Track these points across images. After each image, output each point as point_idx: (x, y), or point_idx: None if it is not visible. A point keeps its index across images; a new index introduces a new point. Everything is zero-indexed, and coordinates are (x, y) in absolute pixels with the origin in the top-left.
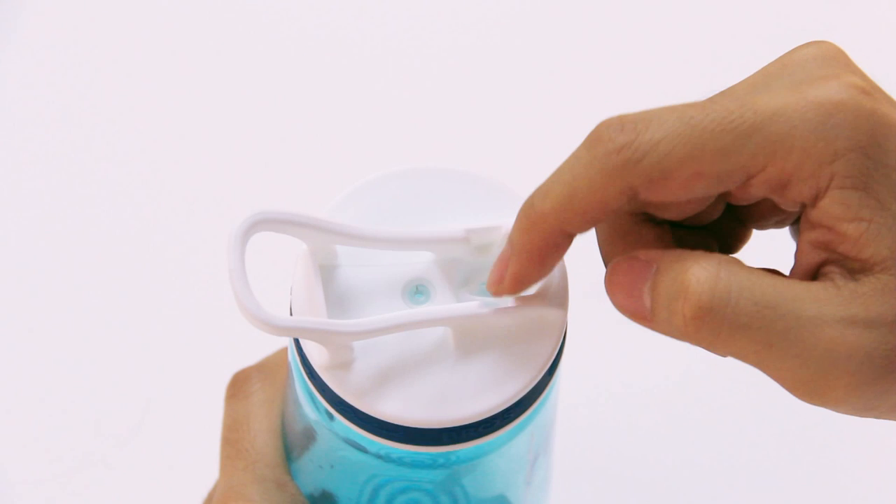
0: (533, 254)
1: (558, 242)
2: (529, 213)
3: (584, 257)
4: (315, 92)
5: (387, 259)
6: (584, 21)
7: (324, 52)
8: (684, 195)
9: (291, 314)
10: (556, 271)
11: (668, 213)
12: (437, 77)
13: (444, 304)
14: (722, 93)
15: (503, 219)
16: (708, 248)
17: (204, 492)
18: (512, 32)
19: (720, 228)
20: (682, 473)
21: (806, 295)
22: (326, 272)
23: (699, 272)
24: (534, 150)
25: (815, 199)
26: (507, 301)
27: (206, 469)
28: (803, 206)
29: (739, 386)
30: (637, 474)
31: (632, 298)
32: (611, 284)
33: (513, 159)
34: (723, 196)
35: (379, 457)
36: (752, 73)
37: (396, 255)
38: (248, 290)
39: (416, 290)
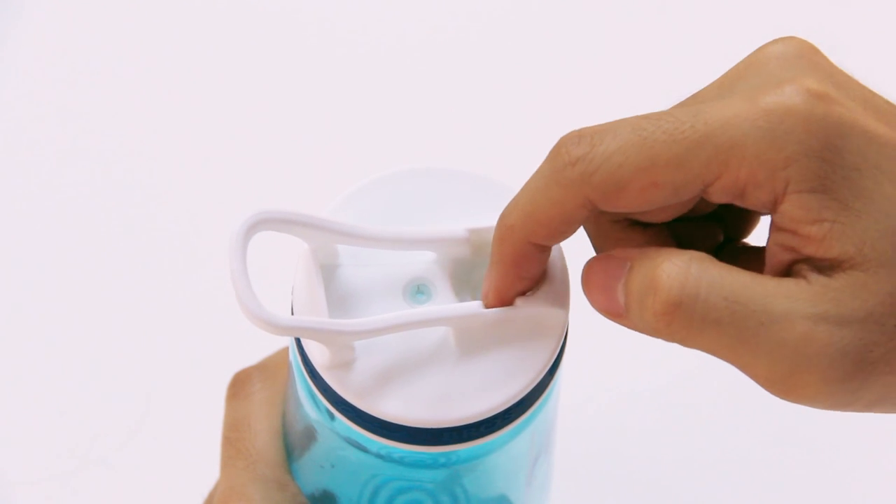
0: (508, 265)
1: (529, 254)
2: (500, 226)
3: (584, 259)
4: (317, 92)
5: (388, 259)
6: (584, 21)
7: (326, 52)
8: (642, 206)
9: (293, 314)
10: (557, 271)
11: (646, 217)
12: (439, 77)
13: (445, 303)
14: (683, 101)
15: None
16: (712, 237)
17: (204, 492)
18: (512, 33)
19: (724, 216)
20: (684, 473)
21: (777, 291)
22: (328, 272)
23: (669, 268)
24: (534, 150)
25: (775, 203)
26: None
27: (207, 469)
28: (762, 209)
29: (740, 386)
30: (638, 475)
31: (606, 296)
32: (587, 283)
33: (514, 159)
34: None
35: (380, 456)
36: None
37: (398, 255)
38: (250, 290)
39: (418, 290)
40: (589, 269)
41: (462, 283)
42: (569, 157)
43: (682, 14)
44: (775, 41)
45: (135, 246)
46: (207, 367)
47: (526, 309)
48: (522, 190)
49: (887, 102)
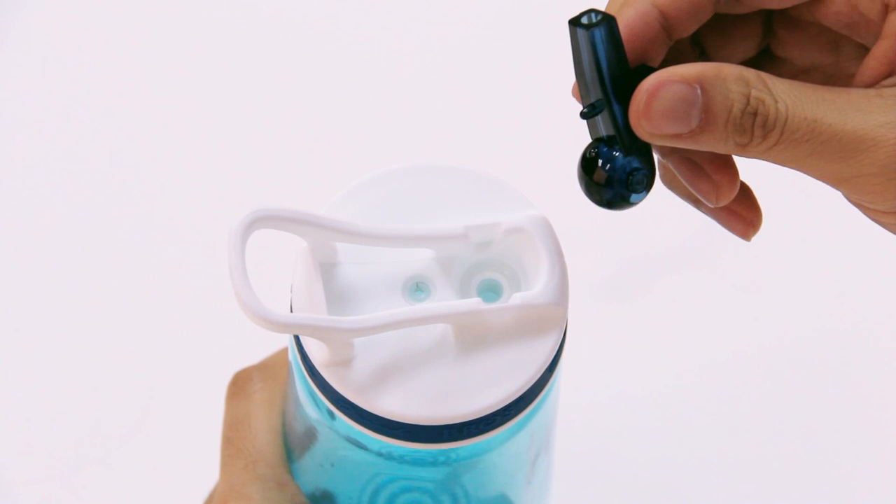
0: (622, 29)
1: (650, 22)
2: None
3: (583, 257)
4: (315, 90)
5: (387, 256)
6: None
7: (324, 51)
8: None
9: (292, 311)
10: (556, 269)
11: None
12: (437, 74)
13: (444, 301)
14: None
15: (502, 215)
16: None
17: (204, 492)
18: (512, 31)
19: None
20: (683, 472)
21: (849, 107)
22: (326, 269)
23: (755, 87)
24: (533, 148)
25: None
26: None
27: (206, 469)
28: (884, 9)
29: (740, 386)
30: (638, 474)
31: (678, 122)
32: (649, 114)
33: (512, 156)
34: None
35: (380, 455)
36: None
37: (396, 253)
38: (249, 287)
39: (417, 288)
40: (652, 95)
41: (461, 281)
42: None
43: None
44: None
45: (134, 245)
46: (207, 366)
47: (525, 306)
48: None
49: None
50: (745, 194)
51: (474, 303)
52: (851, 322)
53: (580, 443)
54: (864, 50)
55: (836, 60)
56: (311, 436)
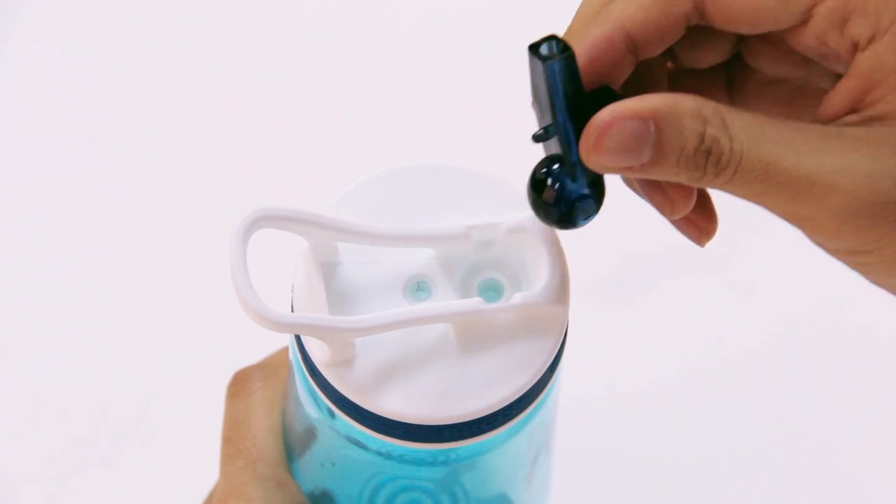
0: (587, 48)
1: (615, 44)
2: (599, 14)
3: (584, 257)
4: (316, 89)
5: (388, 256)
6: None
7: (325, 50)
8: (749, 7)
9: (293, 311)
10: (557, 268)
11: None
12: (438, 74)
13: (445, 300)
14: None
15: (504, 215)
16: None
17: (204, 492)
18: (512, 30)
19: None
20: (684, 472)
21: (806, 147)
22: (328, 269)
23: (710, 120)
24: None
25: (871, 40)
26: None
27: (206, 469)
28: (853, 48)
29: (741, 385)
30: (638, 474)
31: (629, 157)
32: (598, 148)
33: (513, 156)
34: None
35: (380, 454)
36: None
37: (398, 252)
38: (250, 287)
39: (418, 287)
40: (603, 132)
41: (462, 280)
42: None
43: None
44: None
45: (134, 245)
46: (207, 366)
47: (526, 306)
48: None
49: None
50: (702, 202)
51: (475, 303)
52: (852, 321)
53: (580, 442)
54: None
55: (807, 75)
56: (311, 435)
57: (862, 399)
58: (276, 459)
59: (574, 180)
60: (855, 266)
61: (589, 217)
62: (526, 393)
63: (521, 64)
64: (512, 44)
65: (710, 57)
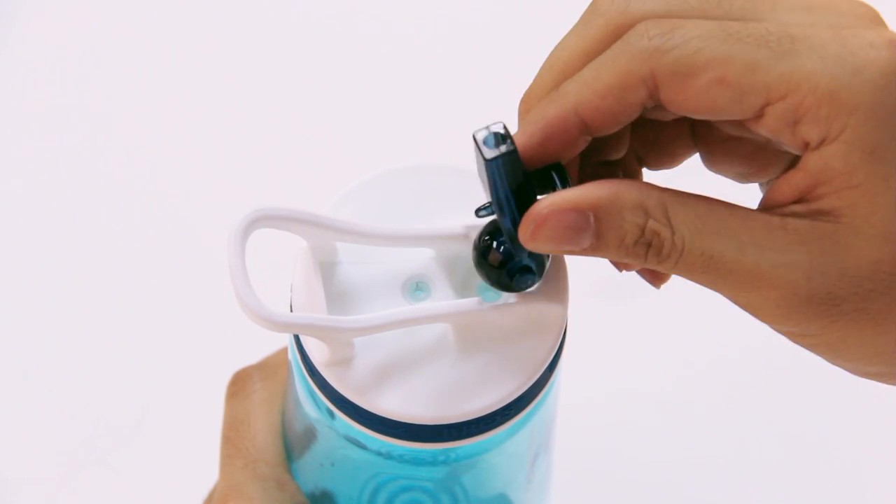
0: (540, 127)
1: (569, 126)
2: (553, 93)
3: (584, 256)
4: (316, 89)
5: (387, 256)
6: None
7: (324, 50)
8: (700, 104)
9: (292, 311)
10: (556, 268)
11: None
12: (437, 74)
13: (444, 300)
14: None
15: None
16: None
17: (204, 492)
18: (513, 31)
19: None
20: (684, 472)
21: (749, 240)
22: (327, 269)
23: (651, 213)
24: None
25: (821, 143)
26: (509, 298)
27: (206, 469)
28: (804, 145)
29: (741, 386)
30: (638, 474)
31: (568, 245)
32: (538, 237)
33: None
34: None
35: (379, 454)
36: None
37: (397, 252)
38: (249, 287)
39: (417, 287)
40: (539, 225)
41: (461, 280)
42: (647, 33)
43: None
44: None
45: (134, 245)
46: (207, 366)
47: (525, 305)
48: (587, 66)
49: None
50: None
51: (474, 302)
52: None
53: (580, 442)
54: None
55: (766, 140)
56: (310, 435)
57: (863, 400)
58: (275, 459)
59: (517, 254)
60: (800, 344)
61: (529, 287)
62: (525, 392)
63: (522, 64)
64: (512, 44)
65: (671, 114)
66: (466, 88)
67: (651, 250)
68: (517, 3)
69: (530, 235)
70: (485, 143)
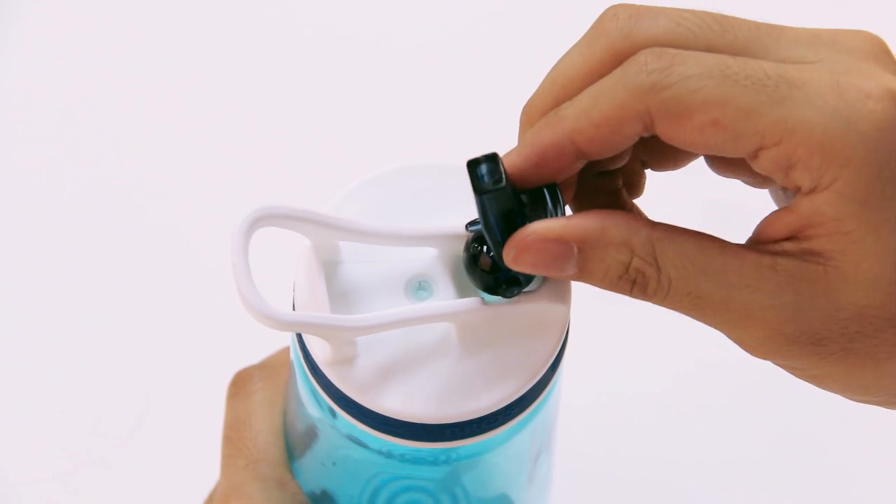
0: (536, 150)
1: (564, 152)
2: (549, 116)
3: None
4: (318, 89)
5: (390, 255)
6: (585, 18)
7: (326, 50)
8: (693, 143)
9: (294, 310)
10: None
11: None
12: (439, 73)
13: (446, 300)
14: (767, 29)
15: None
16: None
17: (204, 492)
18: (513, 31)
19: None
20: (684, 472)
21: (738, 280)
22: (329, 268)
23: (637, 251)
24: None
25: (812, 190)
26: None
27: (207, 469)
28: (796, 188)
29: (742, 386)
30: (639, 474)
31: (552, 271)
32: (521, 262)
33: None
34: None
35: (381, 453)
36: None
37: (399, 251)
38: (252, 286)
39: (419, 286)
40: (522, 251)
41: (463, 280)
42: (645, 66)
43: None
44: (858, 32)
45: (135, 244)
46: (208, 366)
47: (527, 305)
48: (585, 91)
49: None
50: None
51: (477, 302)
52: None
53: (581, 442)
54: None
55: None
56: (312, 434)
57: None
58: (276, 459)
59: (503, 266)
60: (788, 372)
61: (514, 295)
62: (527, 392)
63: (521, 64)
64: (512, 44)
65: None
66: (469, 88)
67: (636, 287)
68: (517, 4)
69: (513, 259)
70: (478, 175)
